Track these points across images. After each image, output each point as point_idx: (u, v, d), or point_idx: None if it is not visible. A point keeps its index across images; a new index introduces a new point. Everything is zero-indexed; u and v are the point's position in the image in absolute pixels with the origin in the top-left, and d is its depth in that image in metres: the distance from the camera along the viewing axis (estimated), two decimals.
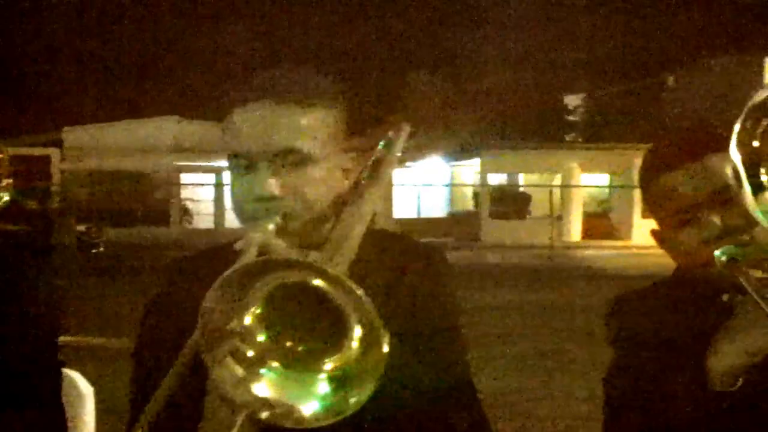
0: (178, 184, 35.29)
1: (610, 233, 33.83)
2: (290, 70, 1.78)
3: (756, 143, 1.51)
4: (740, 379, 1.69)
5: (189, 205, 36.39)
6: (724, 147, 1.89)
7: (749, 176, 1.51)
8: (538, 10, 36.73)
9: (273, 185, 1.68)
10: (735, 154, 1.52)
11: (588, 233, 33.91)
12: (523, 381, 8.73)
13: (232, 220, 31.38)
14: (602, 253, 27.95)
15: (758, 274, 1.65)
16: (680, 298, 1.96)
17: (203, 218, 35.43)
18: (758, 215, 1.52)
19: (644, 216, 31.86)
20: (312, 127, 1.72)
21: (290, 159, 1.70)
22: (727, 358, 1.69)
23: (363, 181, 1.81)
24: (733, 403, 1.69)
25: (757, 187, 1.51)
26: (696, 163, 1.90)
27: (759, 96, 1.51)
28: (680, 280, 2.01)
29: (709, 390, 1.70)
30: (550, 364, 9.67)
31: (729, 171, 1.86)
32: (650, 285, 2.12)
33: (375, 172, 1.84)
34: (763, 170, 1.52)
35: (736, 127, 1.52)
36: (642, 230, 31.45)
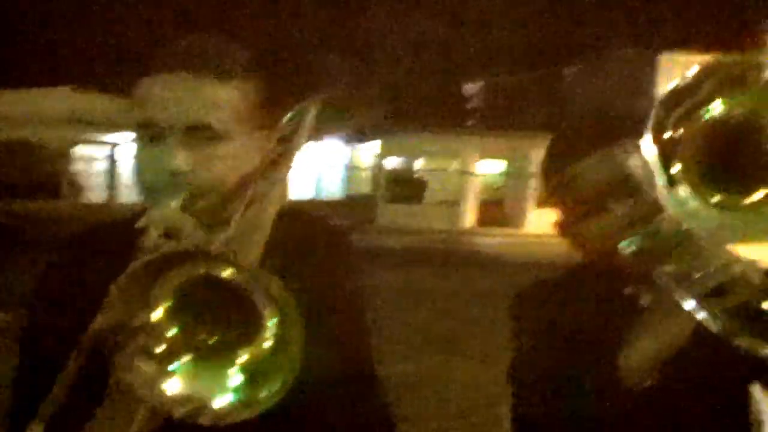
0: (70, 157, 34.64)
1: (504, 221, 34.26)
2: (206, 39, 1.71)
3: (668, 135, 1.50)
4: (653, 375, 1.68)
5: (80, 178, 35.71)
6: (629, 136, 1.90)
7: (663, 170, 1.50)
8: None
9: (183, 160, 1.61)
10: (650, 147, 1.50)
11: (482, 220, 34.30)
12: (417, 365, 8.78)
13: (125, 195, 31.09)
14: (496, 240, 28.31)
15: (667, 267, 1.63)
16: (585, 290, 1.94)
17: (95, 192, 34.80)
18: (671, 209, 1.51)
19: (539, 205, 32.40)
20: (228, 102, 1.65)
21: (202, 134, 1.63)
22: (639, 353, 1.68)
23: (272, 160, 1.75)
24: (644, 399, 1.68)
25: (670, 181, 1.50)
26: (602, 152, 1.87)
27: (670, 88, 1.50)
28: (584, 271, 1.99)
29: (616, 384, 1.68)
30: (445, 349, 9.76)
31: (634, 161, 1.87)
32: (554, 276, 2.09)
33: (284, 149, 1.79)
34: (675, 163, 1.51)
35: (650, 119, 1.50)
36: (536, 219, 31.99)
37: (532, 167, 32.54)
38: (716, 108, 1.50)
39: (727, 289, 1.54)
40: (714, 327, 1.48)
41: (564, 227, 1.97)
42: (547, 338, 1.90)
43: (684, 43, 34.02)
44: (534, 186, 32.83)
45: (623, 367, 1.69)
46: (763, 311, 1.52)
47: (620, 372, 1.68)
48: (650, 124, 1.50)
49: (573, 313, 1.91)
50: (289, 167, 1.73)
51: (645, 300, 1.76)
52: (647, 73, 34.92)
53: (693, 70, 1.50)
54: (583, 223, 1.89)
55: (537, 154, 32.28)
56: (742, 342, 1.44)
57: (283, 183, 1.68)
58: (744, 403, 1.88)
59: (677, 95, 1.50)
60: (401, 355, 9.09)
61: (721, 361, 1.76)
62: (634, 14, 36.96)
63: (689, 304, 1.53)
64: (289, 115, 1.91)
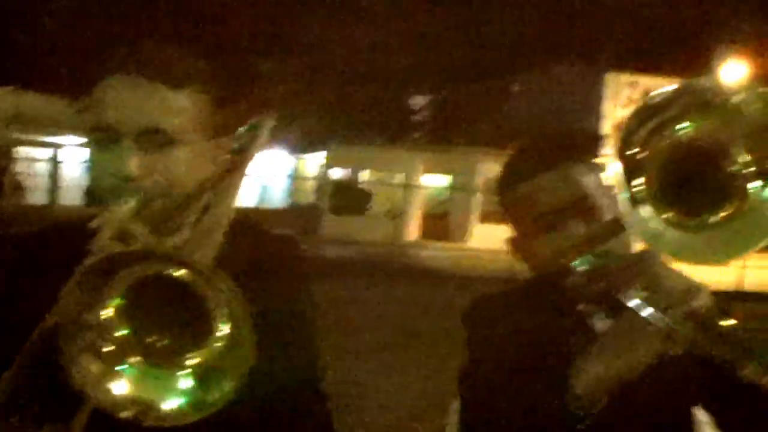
0: (12, 158, 34.14)
1: (447, 235, 34.33)
2: (161, 47, 1.72)
3: (634, 151, 1.53)
4: (603, 400, 1.68)
5: (23, 179, 35.20)
6: (581, 153, 1.92)
7: (626, 187, 1.52)
8: (388, 6, 37.04)
9: (135, 164, 1.61)
10: (615, 163, 1.52)
11: (426, 233, 34.34)
12: (357, 375, 8.77)
13: (66, 197, 30.65)
14: (438, 253, 28.35)
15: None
16: (539, 306, 1.94)
17: (37, 194, 34.33)
18: (633, 227, 1.53)
19: (482, 220, 32.53)
20: (182, 108, 1.66)
21: (156, 139, 1.64)
22: (592, 376, 1.68)
23: (227, 169, 1.75)
24: (592, 422, 1.68)
25: (633, 199, 1.52)
26: (558, 170, 1.89)
27: (639, 105, 1.52)
28: (539, 287, 1.99)
29: (565, 406, 1.68)
30: (385, 360, 9.76)
31: (592, 180, 1.89)
32: (507, 289, 2.09)
33: (237, 162, 1.80)
34: (638, 181, 1.54)
35: (618, 137, 1.52)
36: (479, 234, 32.08)
37: (477, 182, 32.67)
38: (684, 128, 1.54)
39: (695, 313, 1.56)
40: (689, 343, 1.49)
41: (517, 243, 1.99)
42: (499, 350, 1.91)
43: (629, 63, 34.38)
44: (478, 201, 32.96)
45: (574, 389, 1.68)
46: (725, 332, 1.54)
47: (570, 394, 1.68)
48: (619, 137, 1.52)
49: (526, 328, 1.91)
50: (242, 180, 1.74)
51: (598, 319, 1.78)
52: (594, 91, 35.28)
53: (666, 88, 1.52)
54: (537, 240, 1.91)
55: (482, 168, 32.49)
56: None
57: (235, 194, 1.68)
58: (689, 427, 1.92)
59: (648, 110, 1.52)
60: (345, 365, 9.08)
61: (667, 386, 1.80)
62: (581, 32, 37.28)
63: (660, 321, 1.55)
64: (245, 126, 1.92)
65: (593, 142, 1.75)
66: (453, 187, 35.85)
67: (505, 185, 2.00)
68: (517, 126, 34.06)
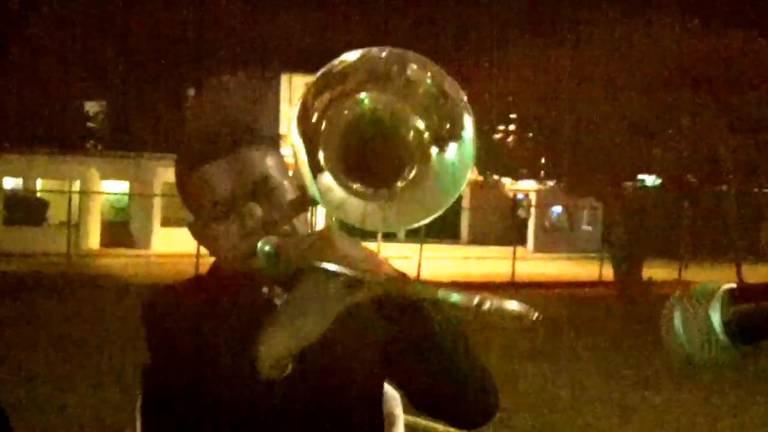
0: None
1: (129, 241, 33.72)
2: None
3: (314, 119, 1.57)
4: (289, 367, 1.72)
5: None
6: (260, 141, 1.93)
7: (308, 155, 1.55)
8: (64, 13, 35.77)
9: None
10: (295, 134, 1.55)
11: (106, 241, 33.57)
12: (34, 393, 8.55)
13: None
14: (121, 261, 27.82)
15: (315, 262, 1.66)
16: (220, 290, 1.94)
17: None
18: (316, 196, 1.57)
19: (163, 224, 32.23)
20: None
21: None
22: (276, 345, 1.70)
23: None
24: (281, 389, 1.72)
25: (315, 168, 1.56)
26: (233, 154, 1.88)
27: (321, 72, 1.58)
28: (219, 273, 1.98)
29: (255, 378, 1.70)
30: (64, 374, 9.54)
31: (268, 161, 1.90)
32: (186, 279, 2.08)
33: None
34: (320, 151, 1.57)
35: (298, 105, 1.57)
36: (161, 238, 31.76)
37: (156, 187, 32.32)
38: (361, 99, 1.61)
39: (361, 282, 1.63)
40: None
41: (198, 230, 1.96)
42: (183, 339, 1.89)
43: (302, 65, 35.18)
44: (158, 205, 32.61)
45: (261, 358, 1.69)
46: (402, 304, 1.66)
47: (258, 364, 1.69)
48: (298, 110, 1.56)
49: (211, 314, 1.91)
50: None
51: (280, 299, 1.80)
52: (269, 91, 35.89)
53: (344, 57, 1.58)
54: (218, 226, 1.88)
55: (160, 173, 32.15)
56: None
57: None
58: (378, 395, 2.02)
59: (326, 80, 1.58)
60: (18, 384, 8.81)
61: (358, 361, 1.91)
62: (256, 37, 37.65)
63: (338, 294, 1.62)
64: None
65: (270, 131, 1.80)
66: (132, 194, 35.22)
67: (182, 173, 1.97)
68: (195, 130, 33.94)
